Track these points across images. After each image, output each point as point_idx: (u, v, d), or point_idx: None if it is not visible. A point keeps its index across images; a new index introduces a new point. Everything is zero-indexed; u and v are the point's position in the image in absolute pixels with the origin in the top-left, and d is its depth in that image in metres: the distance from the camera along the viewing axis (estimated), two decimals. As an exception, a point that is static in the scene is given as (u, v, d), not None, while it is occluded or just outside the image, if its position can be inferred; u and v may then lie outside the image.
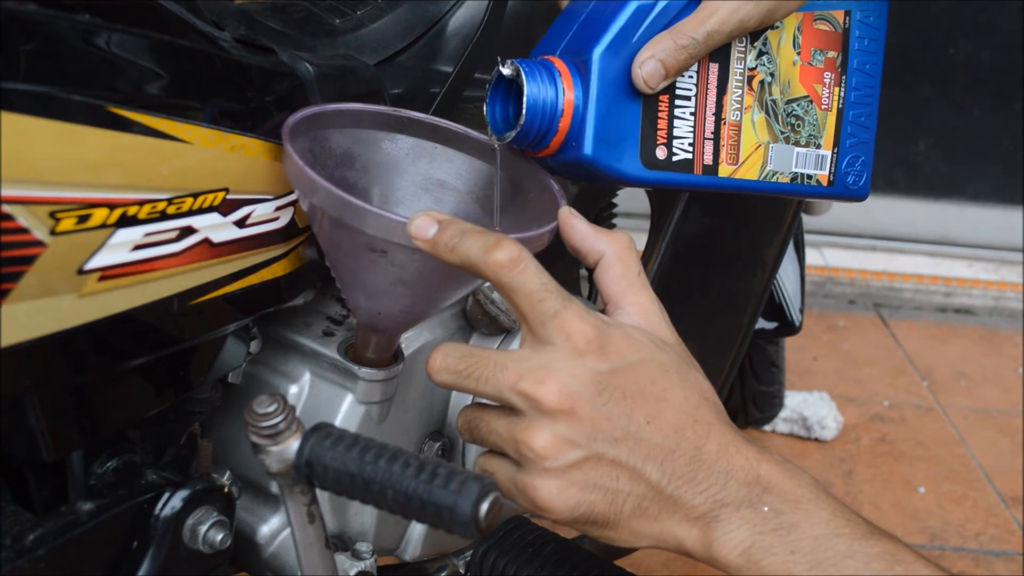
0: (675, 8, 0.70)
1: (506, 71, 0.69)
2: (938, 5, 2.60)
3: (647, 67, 0.69)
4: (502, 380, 0.61)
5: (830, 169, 0.80)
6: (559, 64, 0.70)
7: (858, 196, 0.82)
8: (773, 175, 0.77)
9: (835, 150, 0.79)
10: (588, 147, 0.70)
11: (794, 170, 0.78)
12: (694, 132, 0.73)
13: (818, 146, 0.79)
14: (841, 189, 0.81)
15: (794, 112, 0.77)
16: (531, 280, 0.61)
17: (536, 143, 0.70)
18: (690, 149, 0.73)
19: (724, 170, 0.75)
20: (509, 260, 0.60)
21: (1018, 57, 2.62)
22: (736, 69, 0.74)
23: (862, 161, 0.81)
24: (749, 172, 0.76)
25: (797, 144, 0.78)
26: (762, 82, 0.75)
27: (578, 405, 0.60)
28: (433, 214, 0.62)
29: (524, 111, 0.68)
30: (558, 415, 0.60)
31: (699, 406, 0.63)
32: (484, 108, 0.72)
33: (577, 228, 0.67)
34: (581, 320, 0.61)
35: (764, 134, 0.76)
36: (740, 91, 0.74)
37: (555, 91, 0.69)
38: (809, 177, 0.79)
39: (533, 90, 0.68)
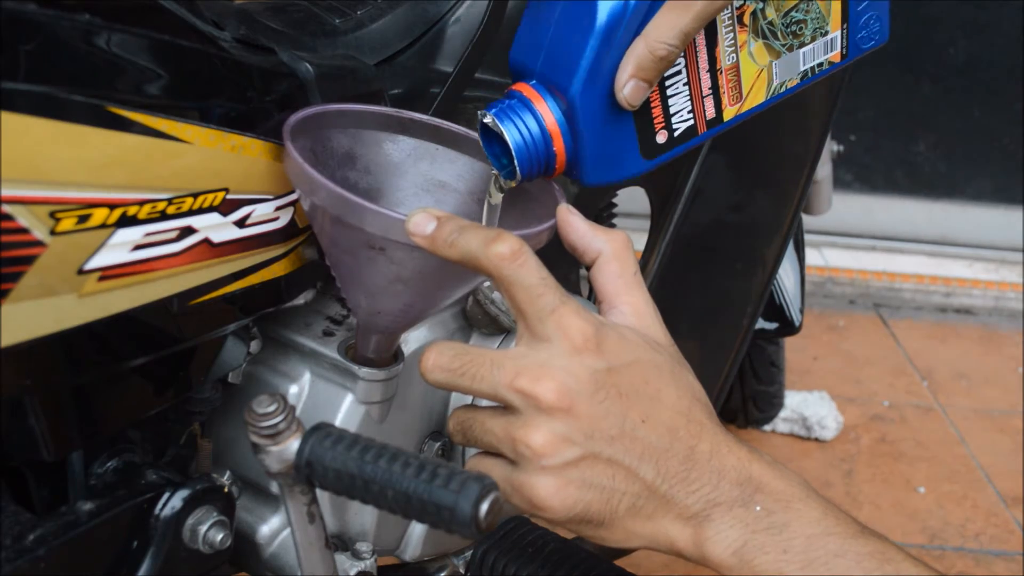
0: (644, 7, 0.66)
1: (487, 121, 0.68)
2: (938, 5, 2.60)
3: (628, 89, 0.66)
4: (498, 378, 0.61)
5: (842, 45, 0.76)
6: (532, 95, 0.68)
7: (878, 45, 0.78)
8: (781, 86, 0.74)
9: (844, 25, 0.75)
10: (589, 175, 0.69)
11: (803, 69, 0.75)
12: (691, 99, 0.71)
13: (825, 33, 0.75)
14: (856, 52, 0.77)
15: (794, 20, 0.73)
16: (531, 274, 0.61)
17: (544, 172, 0.69)
18: (690, 116, 0.71)
19: (729, 112, 0.73)
20: (510, 253, 0.60)
21: (1018, 57, 2.62)
22: (723, 17, 0.70)
23: (875, 17, 0.77)
24: (755, 99, 0.73)
25: (803, 46, 0.74)
26: (754, 12, 0.71)
27: (576, 403, 0.60)
28: (432, 211, 0.62)
29: (516, 163, 0.67)
30: (556, 413, 0.60)
31: (692, 406, 0.63)
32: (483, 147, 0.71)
33: (575, 226, 0.67)
34: (579, 317, 0.61)
35: (764, 58, 0.73)
36: (732, 34, 0.71)
37: (538, 125, 0.67)
38: (820, 65, 0.75)
39: (516, 136, 0.67)
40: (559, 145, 0.68)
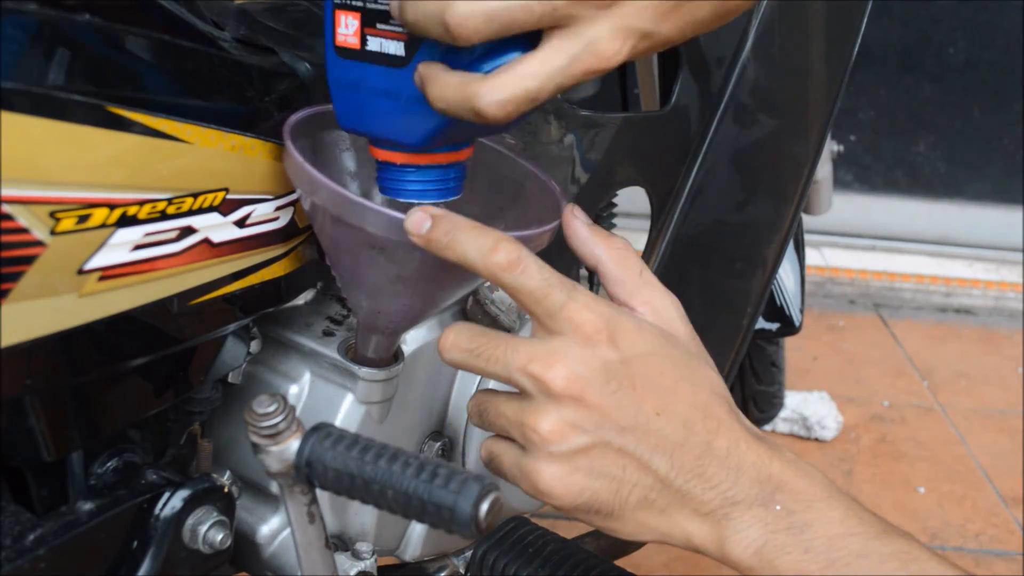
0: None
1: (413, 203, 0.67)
2: (938, 5, 2.60)
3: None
4: (512, 361, 0.61)
5: None
6: (397, 157, 0.66)
7: None
8: None
9: None
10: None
11: None
12: None
13: None
14: None
15: None
16: (532, 279, 0.61)
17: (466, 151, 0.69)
18: None
19: None
20: (508, 262, 0.61)
21: (1018, 57, 2.62)
22: None
23: None
24: None
25: None
26: None
27: (586, 392, 0.60)
28: (429, 209, 0.62)
29: (448, 199, 0.68)
30: (566, 400, 0.60)
31: (709, 401, 0.63)
32: None
33: (576, 231, 0.67)
34: (589, 310, 0.61)
35: None
36: None
37: (431, 172, 0.67)
38: None
39: (432, 194, 0.67)
40: (466, 155, 0.68)
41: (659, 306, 0.66)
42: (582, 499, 0.61)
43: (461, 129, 0.63)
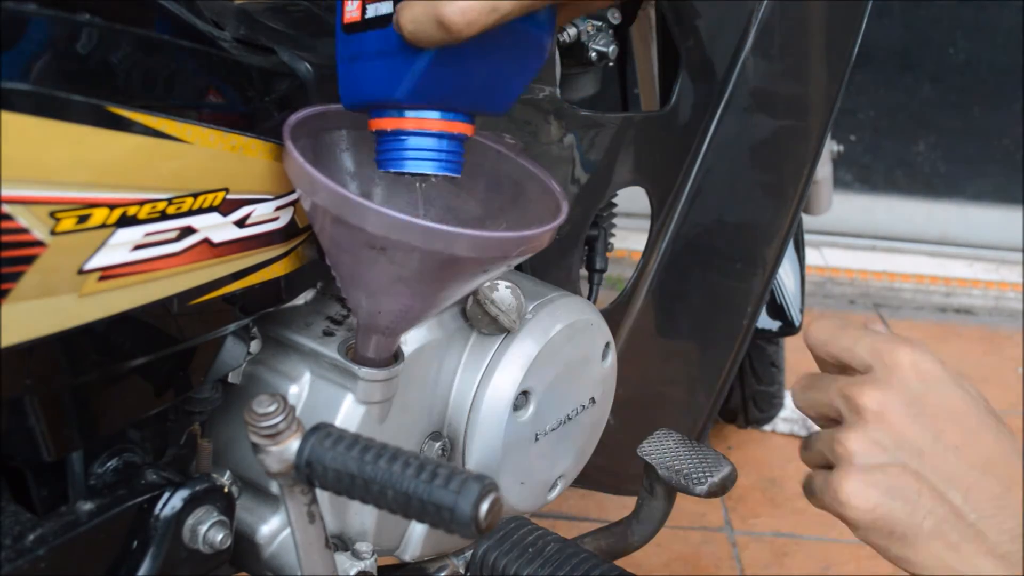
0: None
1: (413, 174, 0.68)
2: (938, 5, 2.60)
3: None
4: (832, 386, 0.68)
5: None
6: (402, 123, 0.66)
7: None
8: None
9: None
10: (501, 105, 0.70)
11: None
12: None
13: None
14: None
15: None
16: (844, 345, 0.69)
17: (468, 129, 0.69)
18: None
19: None
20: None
21: (1018, 57, 2.62)
22: None
23: None
24: None
25: None
26: None
27: (889, 413, 0.64)
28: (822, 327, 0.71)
29: (452, 172, 0.68)
30: (871, 419, 0.64)
31: (1010, 457, 0.64)
32: None
33: (826, 338, 0.72)
34: (909, 352, 0.67)
35: None
36: None
37: (438, 138, 0.67)
38: None
39: (438, 166, 0.67)
40: (462, 129, 0.68)
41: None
42: (877, 513, 0.62)
43: (446, 82, 0.65)
